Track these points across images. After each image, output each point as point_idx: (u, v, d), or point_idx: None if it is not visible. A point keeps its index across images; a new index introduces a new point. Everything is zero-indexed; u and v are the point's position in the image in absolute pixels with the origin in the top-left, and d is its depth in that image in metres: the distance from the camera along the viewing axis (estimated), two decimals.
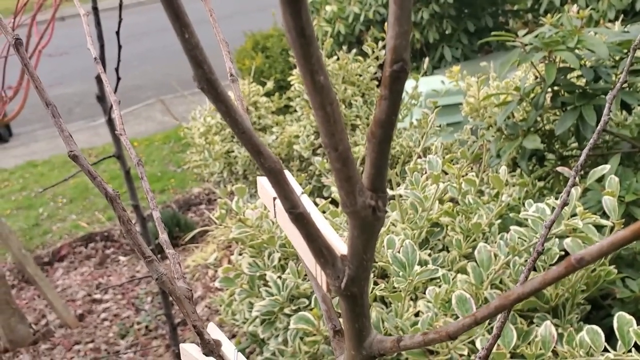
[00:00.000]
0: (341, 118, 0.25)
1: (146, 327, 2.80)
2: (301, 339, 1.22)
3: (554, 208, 1.06)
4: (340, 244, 0.37)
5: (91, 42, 0.62)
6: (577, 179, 1.10)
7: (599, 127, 0.52)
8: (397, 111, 0.26)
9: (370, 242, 0.31)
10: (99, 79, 1.18)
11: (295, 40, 0.24)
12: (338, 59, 2.68)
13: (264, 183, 0.45)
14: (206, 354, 0.44)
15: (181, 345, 0.45)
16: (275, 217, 0.43)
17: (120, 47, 1.08)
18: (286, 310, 1.28)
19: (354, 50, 2.76)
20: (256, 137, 0.27)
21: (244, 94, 2.90)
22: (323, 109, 0.25)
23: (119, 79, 0.98)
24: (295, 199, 0.28)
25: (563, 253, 1.11)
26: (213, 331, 0.47)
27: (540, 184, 1.77)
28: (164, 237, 0.50)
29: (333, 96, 0.25)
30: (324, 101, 0.25)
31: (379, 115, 0.25)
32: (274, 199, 0.42)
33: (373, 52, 2.66)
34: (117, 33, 1.07)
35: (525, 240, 1.06)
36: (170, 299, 1.74)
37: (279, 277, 1.31)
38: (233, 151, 2.80)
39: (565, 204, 0.53)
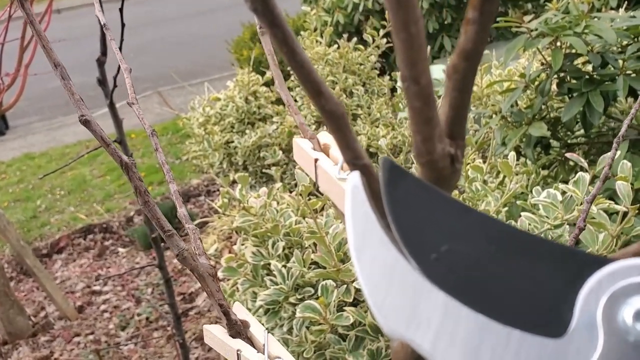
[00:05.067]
0: (425, 44, 0.22)
1: (147, 318, 2.78)
2: (307, 328, 1.20)
3: (564, 192, 1.04)
4: None
5: (99, 8, 0.59)
6: (587, 164, 1.08)
7: None
8: (486, 39, 0.23)
9: None
10: (99, 62, 1.15)
11: None
12: (338, 47, 2.65)
13: (302, 145, 0.42)
14: (233, 336, 0.41)
15: (205, 327, 0.43)
16: (316, 181, 0.40)
17: (123, 23, 1.05)
18: (291, 300, 1.26)
19: (354, 39, 2.73)
20: (316, 73, 0.23)
21: (243, 83, 2.88)
22: (406, 30, 0.21)
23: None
24: (359, 148, 0.25)
25: (573, 240, 1.09)
26: (239, 311, 0.44)
27: (545, 172, 1.75)
28: (182, 210, 0.48)
29: (419, 14, 0.21)
30: (408, 19, 0.20)
31: (464, 45, 0.22)
32: (316, 160, 0.39)
33: (374, 40, 2.63)
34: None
35: (536, 227, 1.04)
36: (173, 287, 1.72)
37: (284, 266, 1.29)
38: (233, 141, 2.77)
39: (607, 177, 0.51)
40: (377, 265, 0.26)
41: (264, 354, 0.41)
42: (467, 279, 0.25)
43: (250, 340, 0.43)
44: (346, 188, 0.26)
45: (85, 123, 0.42)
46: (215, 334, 0.43)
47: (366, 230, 0.26)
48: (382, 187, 0.26)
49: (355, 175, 0.26)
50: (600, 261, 0.25)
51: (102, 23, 0.59)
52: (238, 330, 0.41)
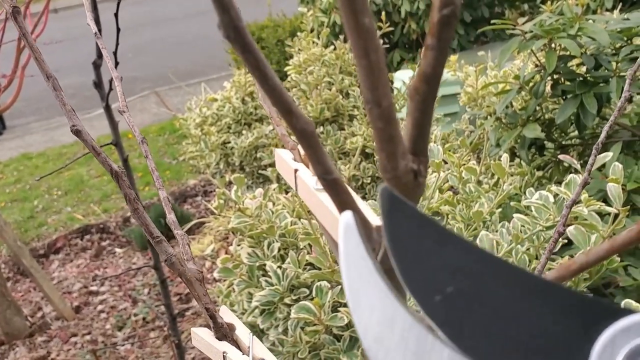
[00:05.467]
0: (385, 69, 0.23)
1: (143, 318, 2.79)
2: (302, 328, 1.21)
3: (557, 195, 1.05)
4: (372, 216, 0.35)
5: (91, 17, 0.60)
6: (579, 165, 1.09)
7: (620, 101, 0.51)
8: (444, 63, 0.24)
9: None
10: (95, 65, 1.16)
11: None
12: (335, 48, 2.66)
13: (283, 155, 0.43)
14: (219, 338, 0.43)
15: (192, 330, 0.44)
16: (296, 191, 0.41)
17: (118, 28, 1.06)
18: (286, 300, 1.27)
19: None
20: (287, 95, 0.25)
21: (239, 84, 2.88)
22: (367, 57, 0.23)
23: (117, 63, 0.96)
24: (329, 164, 0.26)
25: (566, 241, 1.10)
26: (226, 314, 0.45)
27: (539, 173, 1.76)
28: (171, 217, 0.48)
29: (378, 43, 0.23)
30: (368, 47, 0.22)
31: (424, 68, 0.23)
32: (296, 171, 0.40)
33: None
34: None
35: (528, 228, 1.05)
36: (170, 288, 1.73)
37: (279, 267, 1.30)
38: (229, 142, 2.78)
39: (586, 182, 0.52)
40: (376, 316, 0.24)
41: (248, 356, 0.43)
42: (473, 325, 0.24)
43: (236, 343, 0.44)
44: (339, 227, 0.25)
45: (77, 133, 0.43)
46: (202, 336, 0.45)
47: (362, 277, 0.25)
48: (382, 219, 0.26)
49: (348, 215, 0.26)
50: (612, 311, 0.23)
51: (94, 31, 0.59)
52: (224, 333, 0.42)
